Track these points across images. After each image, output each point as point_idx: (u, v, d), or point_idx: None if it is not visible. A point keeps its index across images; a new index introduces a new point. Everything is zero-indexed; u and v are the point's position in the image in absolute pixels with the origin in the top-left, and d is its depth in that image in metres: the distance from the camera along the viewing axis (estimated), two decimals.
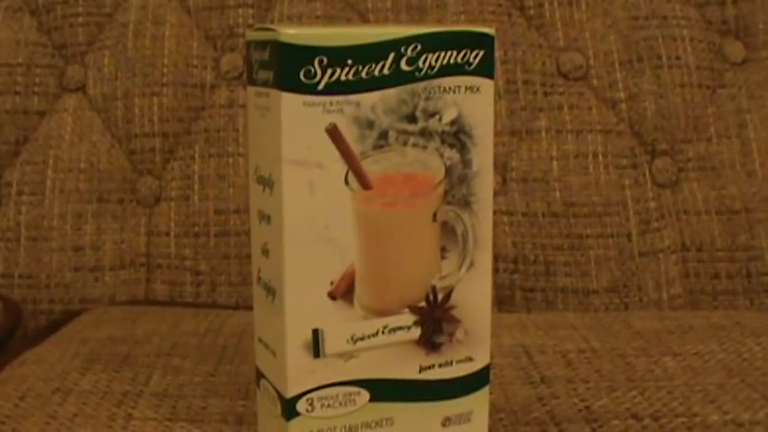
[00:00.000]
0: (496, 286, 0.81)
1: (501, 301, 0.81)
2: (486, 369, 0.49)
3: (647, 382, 0.57)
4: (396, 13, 0.86)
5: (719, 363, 0.60)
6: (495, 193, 0.83)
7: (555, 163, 0.82)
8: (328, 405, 0.46)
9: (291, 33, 0.42)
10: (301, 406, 0.46)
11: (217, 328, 0.69)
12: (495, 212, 0.82)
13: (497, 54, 0.84)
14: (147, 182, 0.85)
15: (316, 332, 0.45)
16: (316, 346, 0.45)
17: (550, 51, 0.86)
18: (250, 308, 0.81)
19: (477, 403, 0.49)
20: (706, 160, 0.83)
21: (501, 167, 0.83)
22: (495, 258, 0.81)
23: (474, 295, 0.48)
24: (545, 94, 0.84)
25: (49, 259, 0.84)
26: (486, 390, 0.49)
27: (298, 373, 0.45)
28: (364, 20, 0.86)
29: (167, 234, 0.84)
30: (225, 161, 0.84)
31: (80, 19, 0.89)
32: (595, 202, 0.81)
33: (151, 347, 0.65)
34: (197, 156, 0.84)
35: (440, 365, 0.48)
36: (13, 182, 0.86)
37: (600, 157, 0.82)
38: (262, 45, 0.44)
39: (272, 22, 0.86)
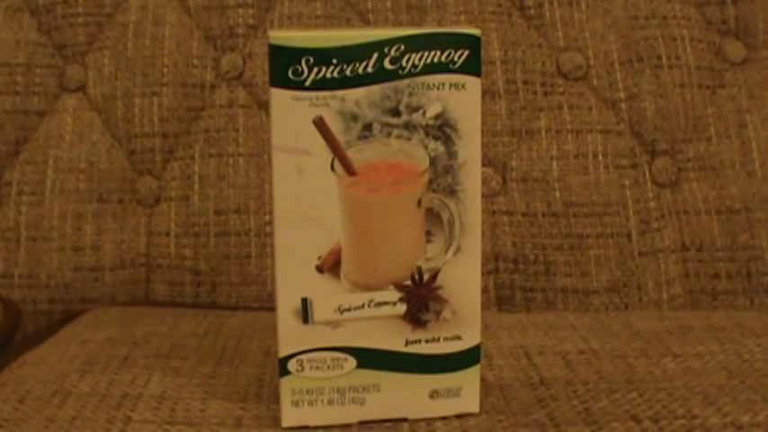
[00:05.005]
0: (496, 286, 0.80)
1: (501, 301, 0.81)
2: (477, 348, 0.52)
3: (646, 383, 0.58)
4: (396, 14, 0.85)
5: (719, 364, 0.61)
6: (495, 193, 0.82)
7: (555, 163, 0.82)
8: (317, 367, 0.50)
9: (280, 36, 0.47)
10: (292, 365, 0.50)
11: (216, 330, 0.70)
12: (494, 212, 0.82)
13: (497, 54, 0.83)
14: (147, 182, 0.84)
15: (304, 300, 0.49)
16: (305, 313, 0.50)
17: (550, 51, 0.84)
18: (250, 308, 0.82)
19: (467, 380, 0.52)
20: (706, 160, 0.82)
21: (501, 167, 0.82)
22: (496, 258, 0.80)
23: (462, 278, 0.51)
24: (545, 94, 0.83)
25: (49, 259, 0.83)
26: (476, 368, 0.52)
27: (288, 335, 0.50)
28: (364, 20, 0.85)
29: (167, 234, 0.84)
30: (225, 161, 0.83)
31: (80, 19, 0.89)
32: (595, 202, 0.80)
33: (150, 349, 0.66)
34: (197, 156, 0.84)
35: (426, 341, 0.51)
36: (13, 182, 0.86)
37: (600, 157, 0.81)
38: None
39: (271, 22, 0.85)
